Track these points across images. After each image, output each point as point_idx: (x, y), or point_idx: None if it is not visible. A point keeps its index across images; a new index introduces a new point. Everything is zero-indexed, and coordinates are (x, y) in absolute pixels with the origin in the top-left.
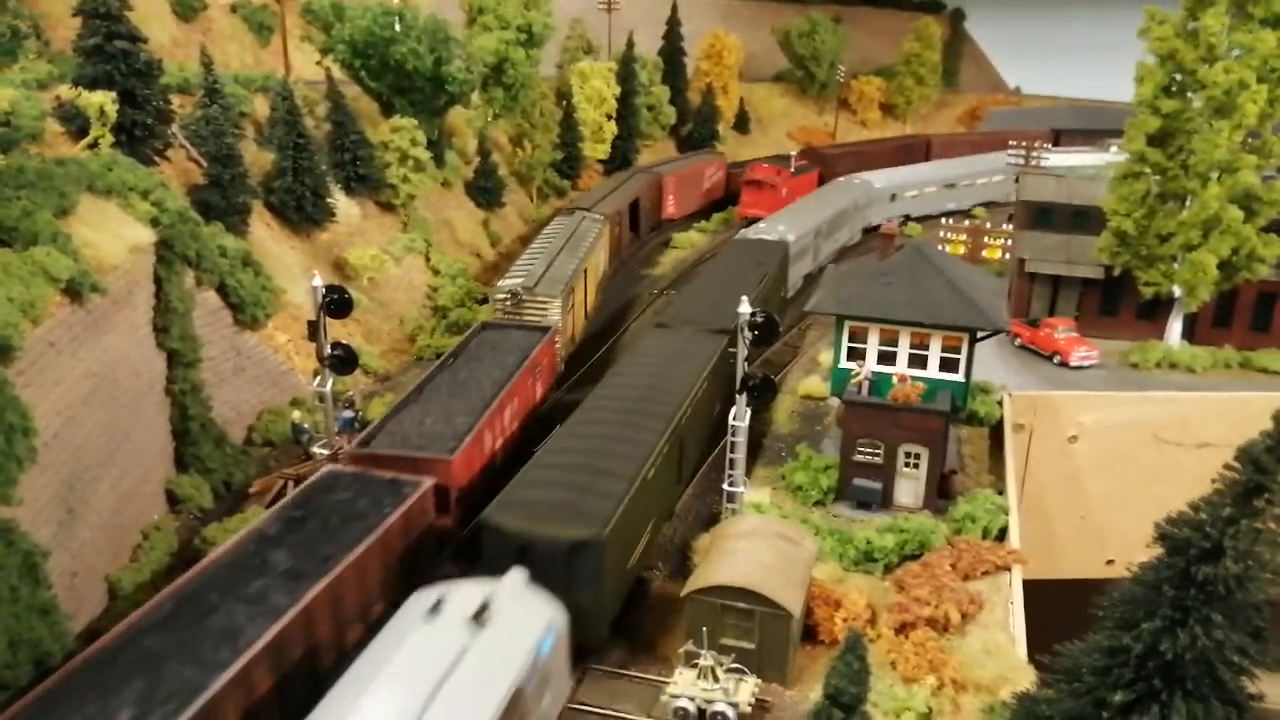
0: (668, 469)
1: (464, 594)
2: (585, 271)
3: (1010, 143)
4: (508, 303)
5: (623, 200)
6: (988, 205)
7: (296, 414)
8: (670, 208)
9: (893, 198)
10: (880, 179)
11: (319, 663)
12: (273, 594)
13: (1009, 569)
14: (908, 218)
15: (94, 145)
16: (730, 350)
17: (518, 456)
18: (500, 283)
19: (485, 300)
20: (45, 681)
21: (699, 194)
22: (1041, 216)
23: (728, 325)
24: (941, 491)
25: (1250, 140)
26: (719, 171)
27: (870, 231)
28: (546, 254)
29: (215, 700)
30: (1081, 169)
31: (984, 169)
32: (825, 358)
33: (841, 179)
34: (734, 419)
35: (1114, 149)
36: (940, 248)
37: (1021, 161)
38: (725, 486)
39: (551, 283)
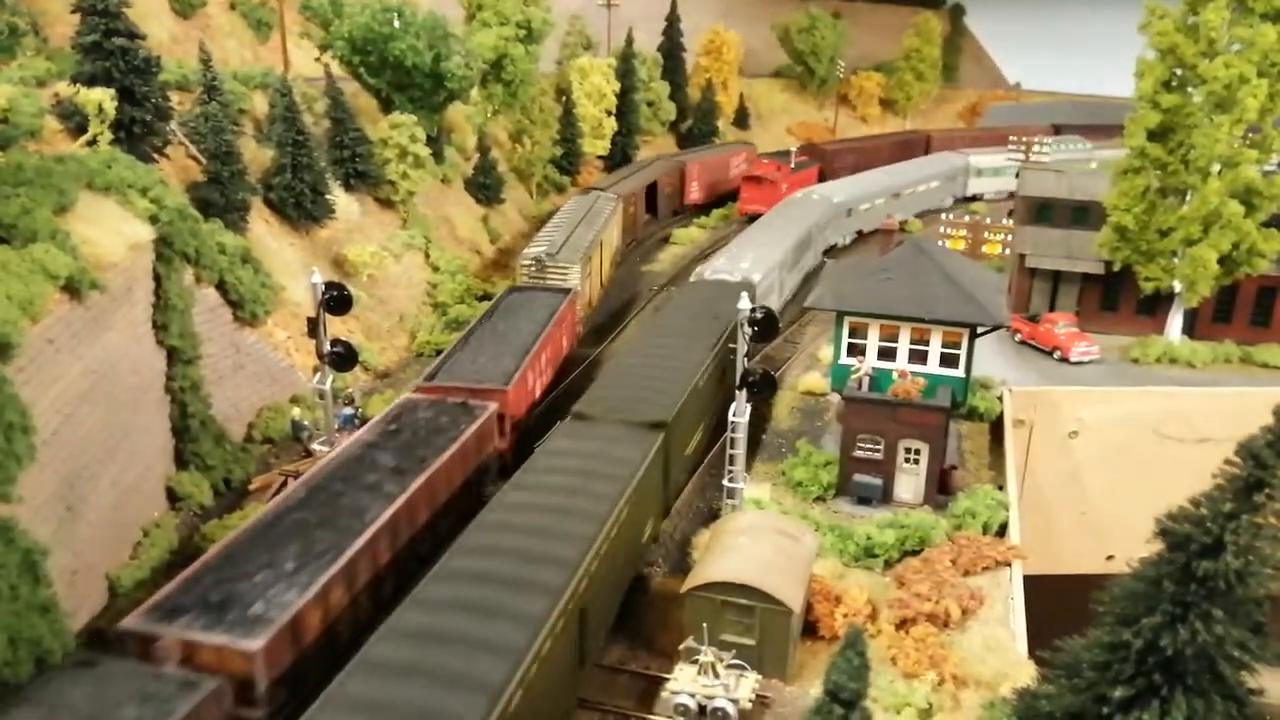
0: (559, 657)
1: None
2: (601, 244)
3: (1010, 139)
4: (532, 268)
5: (639, 183)
6: (922, 215)
7: (296, 411)
8: (694, 193)
9: (849, 213)
10: (839, 192)
11: (418, 545)
12: (385, 484)
13: (1009, 564)
14: (860, 233)
15: (93, 142)
16: (672, 453)
17: (551, 403)
18: (525, 250)
19: (486, 297)
20: (225, 539)
21: (725, 181)
22: (1042, 211)
23: (665, 416)
24: (942, 487)
25: (1250, 135)
26: (746, 162)
27: (829, 252)
28: (566, 227)
29: (353, 558)
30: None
31: (921, 175)
32: (825, 353)
33: (799, 194)
34: (734, 415)
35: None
36: (940, 243)
37: (1021, 157)
38: (725, 482)
39: (572, 250)
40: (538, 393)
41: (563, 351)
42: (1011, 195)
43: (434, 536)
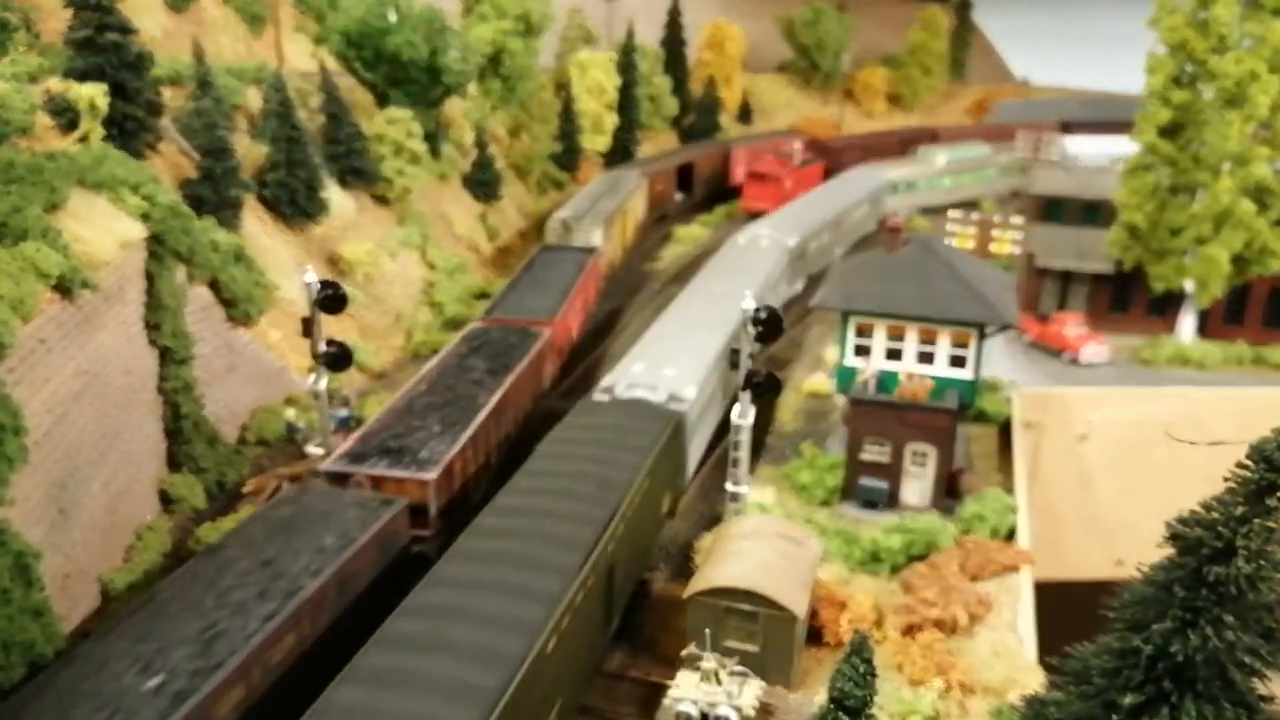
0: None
1: None
2: (625, 212)
3: (1019, 134)
4: (560, 230)
5: (673, 162)
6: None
7: (291, 412)
8: (740, 176)
9: (802, 255)
10: (790, 228)
11: (511, 427)
12: (485, 379)
13: (1018, 569)
14: (810, 277)
15: (84, 139)
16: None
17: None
18: (554, 214)
19: (485, 296)
20: (377, 412)
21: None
22: (1051, 210)
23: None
24: (949, 491)
25: (1262, 132)
26: (796, 148)
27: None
28: (592, 197)
29: (479, 427)
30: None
31: (852, 199)
32: (831, 355)
33: (743, 239)
34: (737, 418)
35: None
36: (948, 242)
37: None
38: (728, 486)
39: (595, 215)
40: (574, 332)
41: (591, 300)
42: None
43: (519, 426)
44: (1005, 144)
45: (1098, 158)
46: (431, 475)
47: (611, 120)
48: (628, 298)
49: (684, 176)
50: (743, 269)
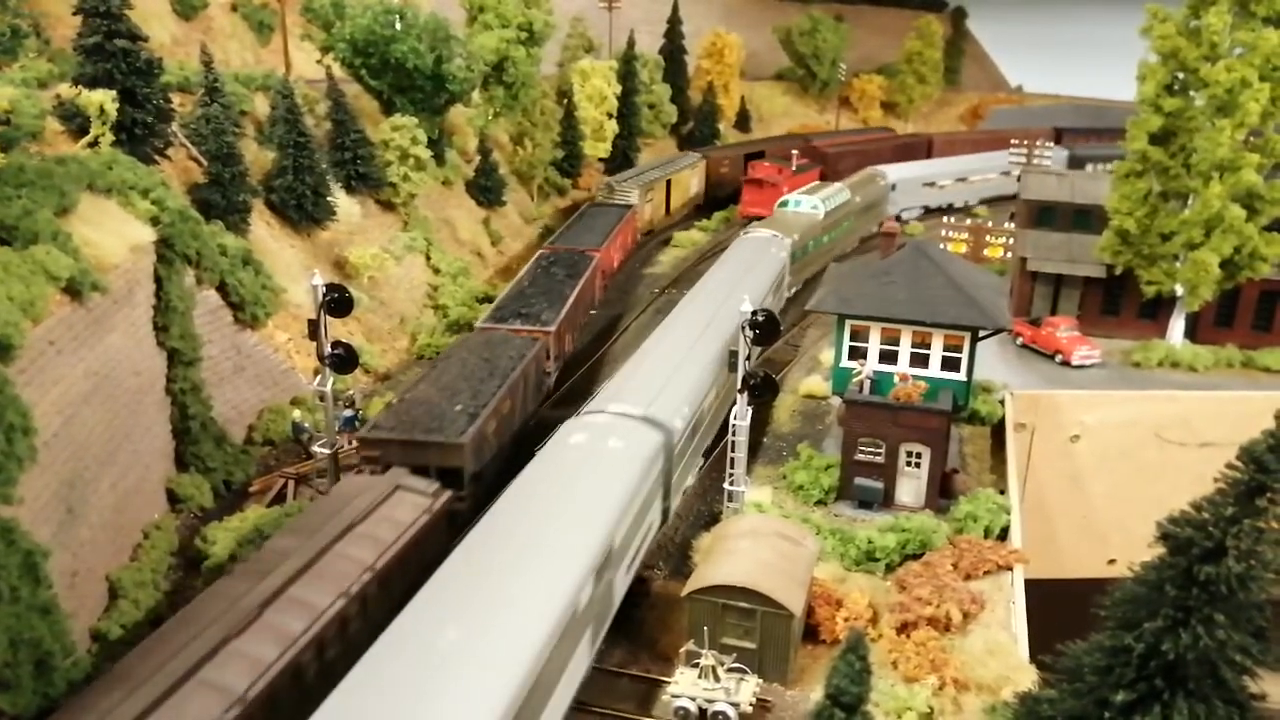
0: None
1: None
2: (669, 182)
3: (1012, 142)
4: (605, 190)
5: (740, 151)
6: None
7: (297, 413)
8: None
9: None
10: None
11: (581, 314)
12: (565, 278)
13: (1011, 568)
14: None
15: (94, 144)
16: None
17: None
18: (601, 179)
19: (489, 299)
20: (506, 288)
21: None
22: (1043, 215)
23: None
24: (943, 491)
25: (1252, 139)
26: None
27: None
28: (643, 168)
29: (574, 301)
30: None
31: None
32: (826, 357)
33: (696, 304)
34: (735, 418)
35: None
36: (941, 246)
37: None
38: (726, 486)
39: (635, 181)
40: (614, 263)
41: (628, 242)
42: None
43: (589, 312)
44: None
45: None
46: (551, 328)
47: (612, 127)
48: (627, 301)
49: (749, 162)
50: (707, 336)
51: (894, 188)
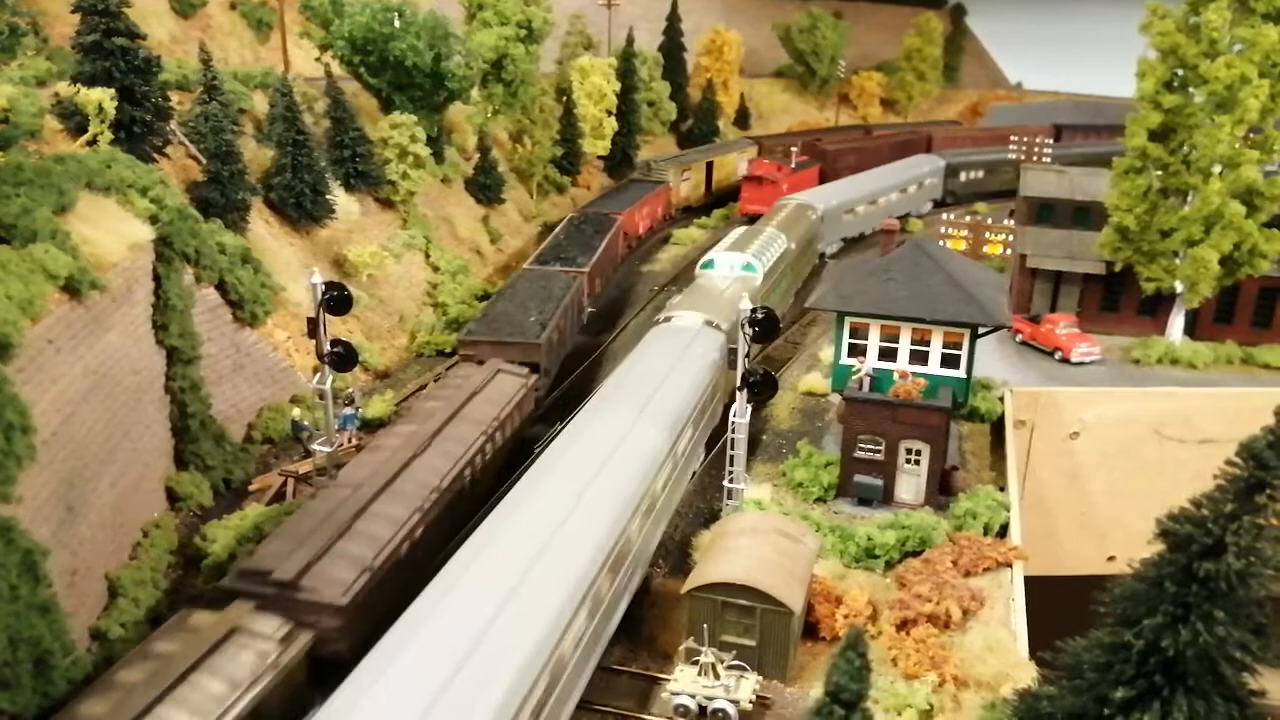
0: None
1: None
2: (710, 164)
3: (1012, 138)
4: (644, 168)
5: (800, 139)
6: None
7: (296, 411)
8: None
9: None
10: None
11: (610, 263)
12: (594, 236)
13: (1010, 565)
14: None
15: (93, 142)
16: None
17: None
18: (643, 158)
19: (488, 297)
20: (544, 243)
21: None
22: (1043, 212)
23: None
24: (943, 488)
25: (1252, 135)
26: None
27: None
28: (689, 152)
29: (601, 251)
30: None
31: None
32: (826, 354)
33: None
34: (735, 416)
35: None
36: (941, 243)
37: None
38: (726, 483)
39: (670, 161)
40: (640, 228)
41: (656, 213)
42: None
43: (614, 266)
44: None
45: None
46: (585, 269)
47: (611, 125)
48: (626, 300)
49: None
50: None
51: (822, 220)
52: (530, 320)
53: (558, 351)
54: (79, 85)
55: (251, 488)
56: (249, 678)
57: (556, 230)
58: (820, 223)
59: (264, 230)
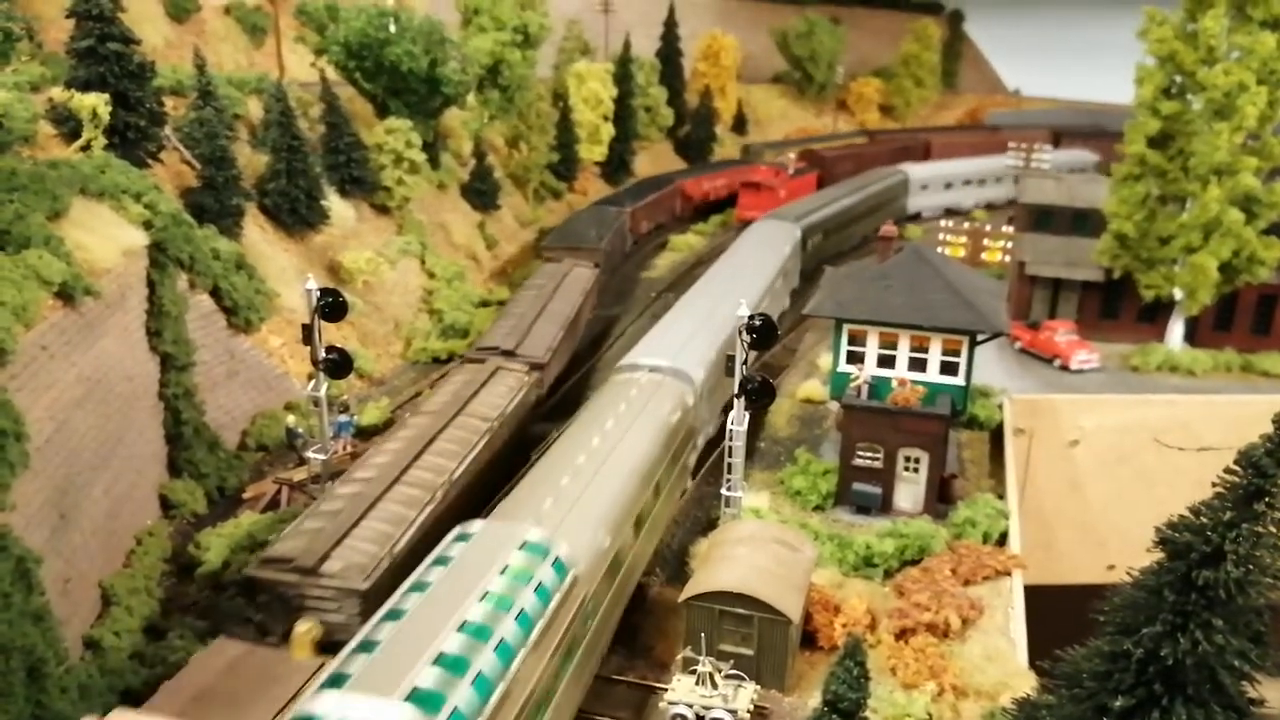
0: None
1: None
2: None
3: (1010, 145)
4: (743, 152)
5: (854, 149)
6: None
7: (291, 418)
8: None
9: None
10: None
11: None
12: (625, 202)
13: (1009, 574)
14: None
15: (87, 148)
16: None
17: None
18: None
19: (484, 303)
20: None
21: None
22: (1042, 219)
23: None
24: (941, 496)
25: (1250, 142)
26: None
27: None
28: (793, 141)
29: (645, 205)
30: None
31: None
32: (824, 361)
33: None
34: (732, 423)
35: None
36: (939, 250)
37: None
38: (723, 491)
39: (773, 147)
40: (701, 194)
41: (734, 185)
42: None
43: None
44: None
45: None
46: (629, 209)
47: (608, 130)
48: (624, 304)
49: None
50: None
51: None
52: (592, 234)
53: (609, 259)
54: (73, 90)
55: (245, 495)
56: (515, 387)
57: (630, 184)
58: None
59: (258, 236)
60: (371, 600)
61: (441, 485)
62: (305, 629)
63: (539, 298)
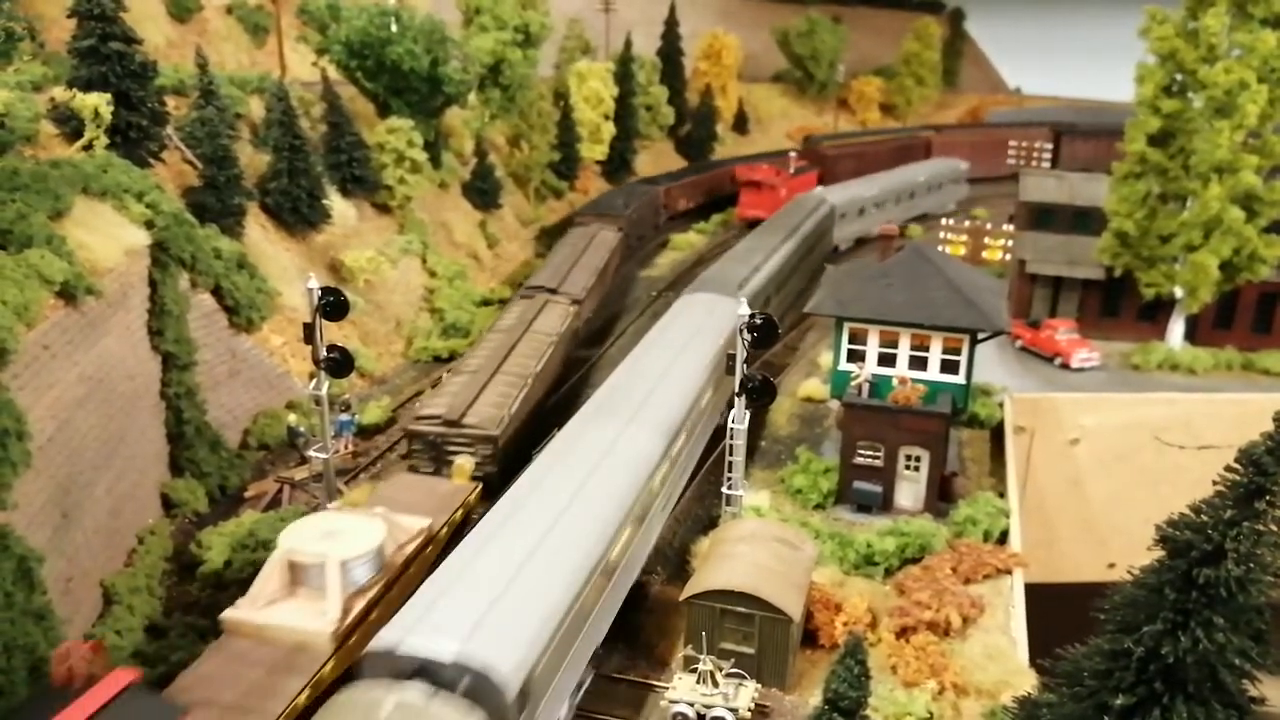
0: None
1: None
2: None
3: (1010, 143)
4: (801, 142)
5: (906, 141)
6: None
7: (292, 417)
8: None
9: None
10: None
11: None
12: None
13: (1010, 572)
14: None
15: (89, 147)
16: None
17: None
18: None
19: (485, 302)
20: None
21: (996, 159)
22: (1042, 217)
23: None
24: (942, 494)
25: (1251, 140)
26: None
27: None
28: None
29: (680, 184)
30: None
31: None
32: (825, 360)
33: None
34: (733, 422)
35: None
36: (940, 248)
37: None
38: (724, 490)
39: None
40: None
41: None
42: None
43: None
44: None
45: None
46: (663, 187)
47: (609, 129)
48: (623, 303)
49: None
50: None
51: None
52: (620, 204)
53: (634, 226)
54: (75, 90)
55: (247, 494)
56: (562, 316)
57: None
58: None
59: (260, 235)
60: (500, 446)
61: (530, 374)
62: (462, 462)
63: (573, 252)
